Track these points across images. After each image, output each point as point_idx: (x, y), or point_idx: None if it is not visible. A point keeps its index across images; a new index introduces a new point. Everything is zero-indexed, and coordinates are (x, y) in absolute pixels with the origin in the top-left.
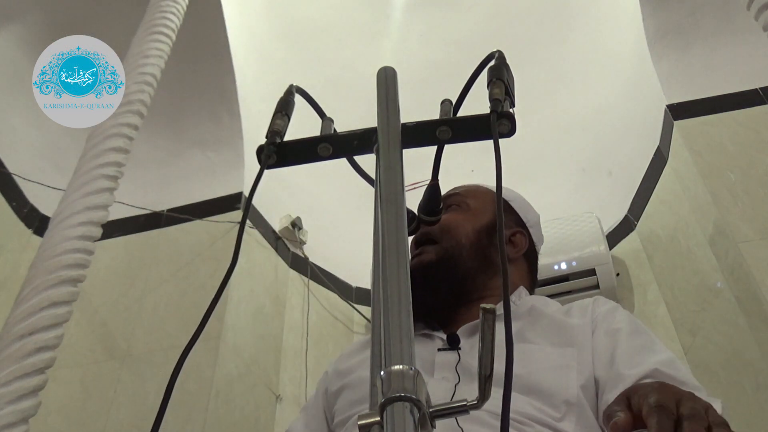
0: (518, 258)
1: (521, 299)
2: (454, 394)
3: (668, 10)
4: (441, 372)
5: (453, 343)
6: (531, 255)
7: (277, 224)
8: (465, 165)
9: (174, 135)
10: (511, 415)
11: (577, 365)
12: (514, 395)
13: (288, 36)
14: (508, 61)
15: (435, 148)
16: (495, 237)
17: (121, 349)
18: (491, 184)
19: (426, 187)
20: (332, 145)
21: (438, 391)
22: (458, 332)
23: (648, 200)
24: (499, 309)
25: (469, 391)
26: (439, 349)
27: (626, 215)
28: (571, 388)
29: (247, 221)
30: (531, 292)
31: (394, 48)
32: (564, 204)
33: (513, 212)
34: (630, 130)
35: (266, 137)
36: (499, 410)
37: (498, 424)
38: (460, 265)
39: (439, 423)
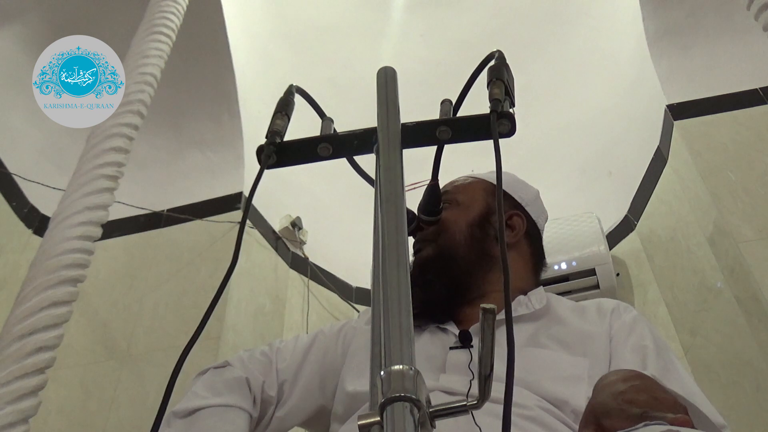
0: (519, 240)
1: (536, 297)
2: (470, 388)
3: (668, 10)
4: (453, 371)
5: (465, 341)
6: (533, 233)
7: (277, 224)
8: (465, 165)
9: (174, 135)
10: (522, 405)
11: (589, 378)
12: (524, 392)
13: (288, 36)
14: (508, 61)
15: (435, 148)
16: (488, 228)
17: (121, 349)
18: (478, 172)
19: (426, 187)
20: (332, 145)
21: (455, 384)
22: (470, 330)
23: (648, 200)
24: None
25: None
26: (451, 347)
27: (626, 215)
28: (579, 399)
29: (247, 221)
30: (538, 273)
31: (394, 48)
32: (564, 204)
33: (506, 195)
34: (630, 130)
35: (266, 137)
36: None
37: (515, 418)
38: (457, 260)
39: (458, 419)
